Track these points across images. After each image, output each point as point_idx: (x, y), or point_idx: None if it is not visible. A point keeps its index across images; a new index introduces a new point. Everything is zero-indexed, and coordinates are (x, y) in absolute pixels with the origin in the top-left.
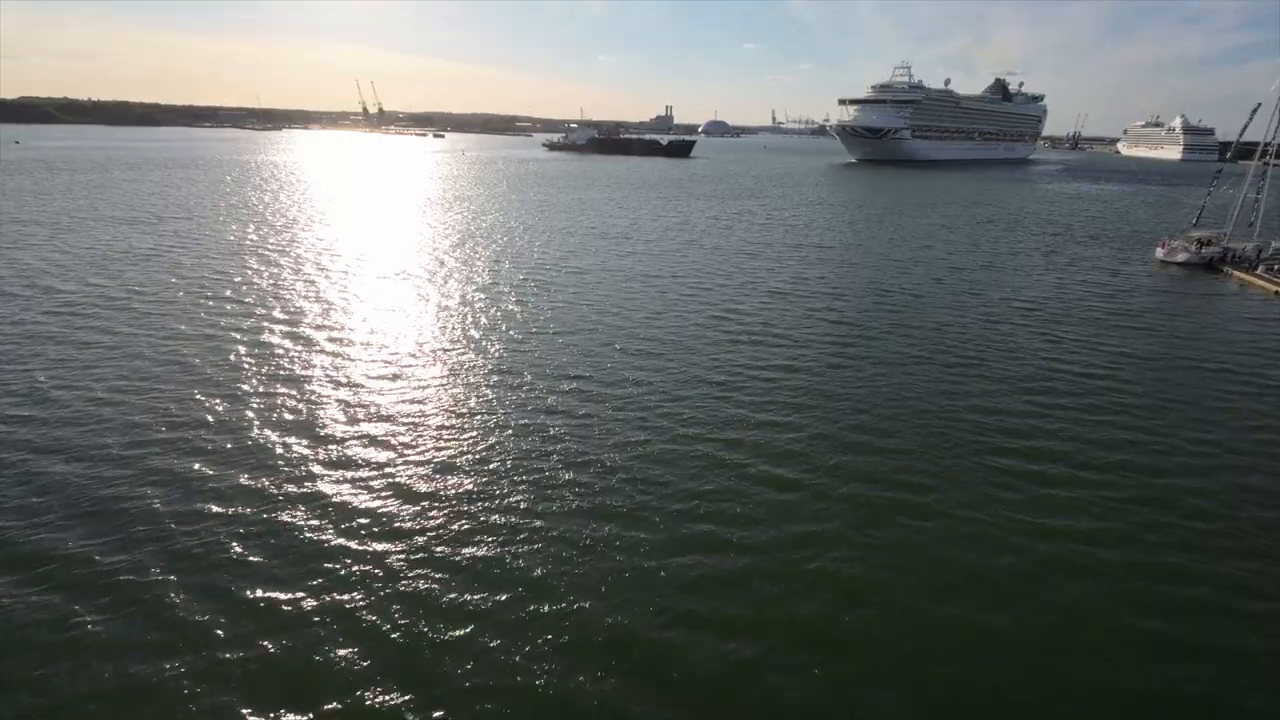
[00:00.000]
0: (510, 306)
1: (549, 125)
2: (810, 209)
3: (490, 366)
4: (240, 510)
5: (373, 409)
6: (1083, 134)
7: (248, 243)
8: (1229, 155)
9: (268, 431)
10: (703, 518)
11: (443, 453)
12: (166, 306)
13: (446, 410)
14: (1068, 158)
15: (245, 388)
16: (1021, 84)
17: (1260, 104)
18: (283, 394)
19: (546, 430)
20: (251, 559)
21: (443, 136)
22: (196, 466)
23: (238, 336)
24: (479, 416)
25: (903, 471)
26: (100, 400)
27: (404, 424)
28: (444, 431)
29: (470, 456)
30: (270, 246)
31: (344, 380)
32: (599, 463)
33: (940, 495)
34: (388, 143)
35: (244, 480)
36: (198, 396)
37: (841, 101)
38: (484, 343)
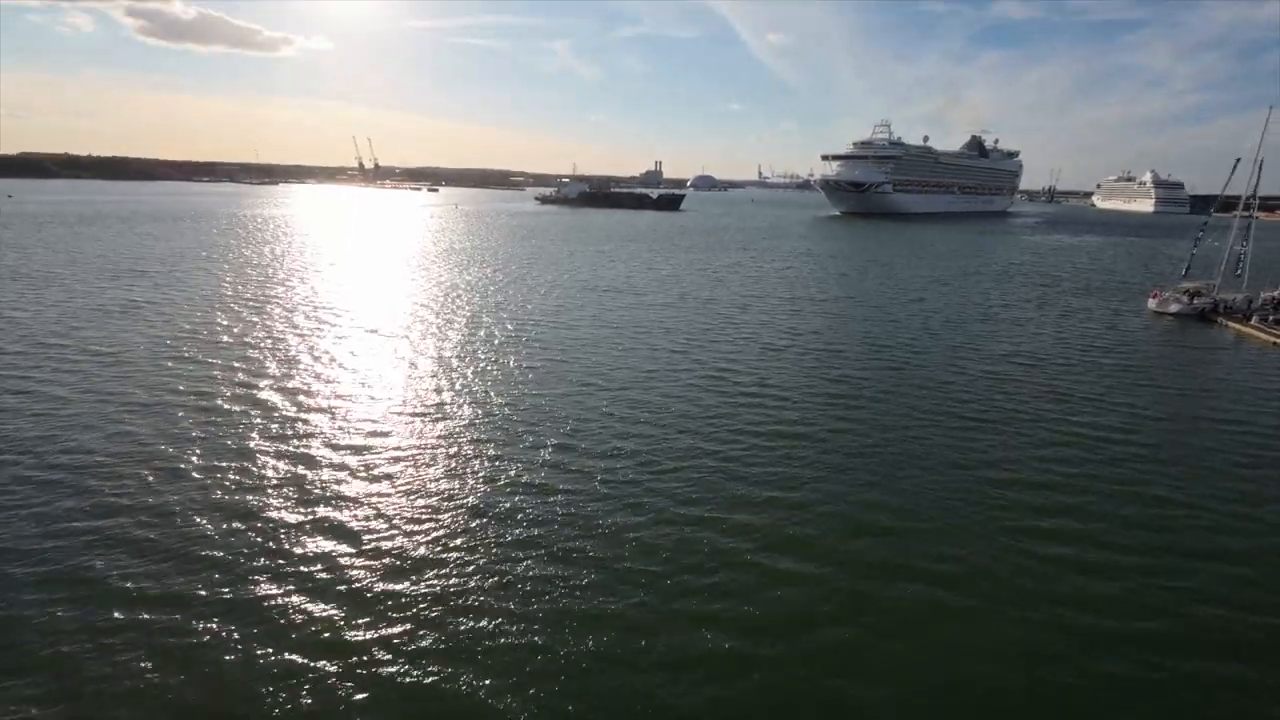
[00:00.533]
0: (494, 365)
1: (542, 180)
2: (800, 261)
3: (468, 434)
4: (212, 575)
5: (334, 480)
6: (1058, 187)
7: (225, 296)
8: (1212, 209)
9: (235, 490)
10: (705, 622)
11: (403, 543)
12: (130, 363)
13: (413, 490)
14: (1045, 210)
15: (211, 446)
16: (996, 140)
17: (1240, 159)
18: (245, 455)
19: (525, 512)
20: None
21: (436, 190)
22: (165, 533)
23: (202, 396)
24: (451, 497)
25: (924, 558)
26: (58, 464)
27: (364, 503)
28: (407, 518)
29: (436, 547)
30: (248, 300)
31: (305, 448)
32: (584, 553)
33: (968, 585)
34: (381, 196)
35: (210, 540)
36: (165, 455)
37: (824, 157)
38: (462, 406)
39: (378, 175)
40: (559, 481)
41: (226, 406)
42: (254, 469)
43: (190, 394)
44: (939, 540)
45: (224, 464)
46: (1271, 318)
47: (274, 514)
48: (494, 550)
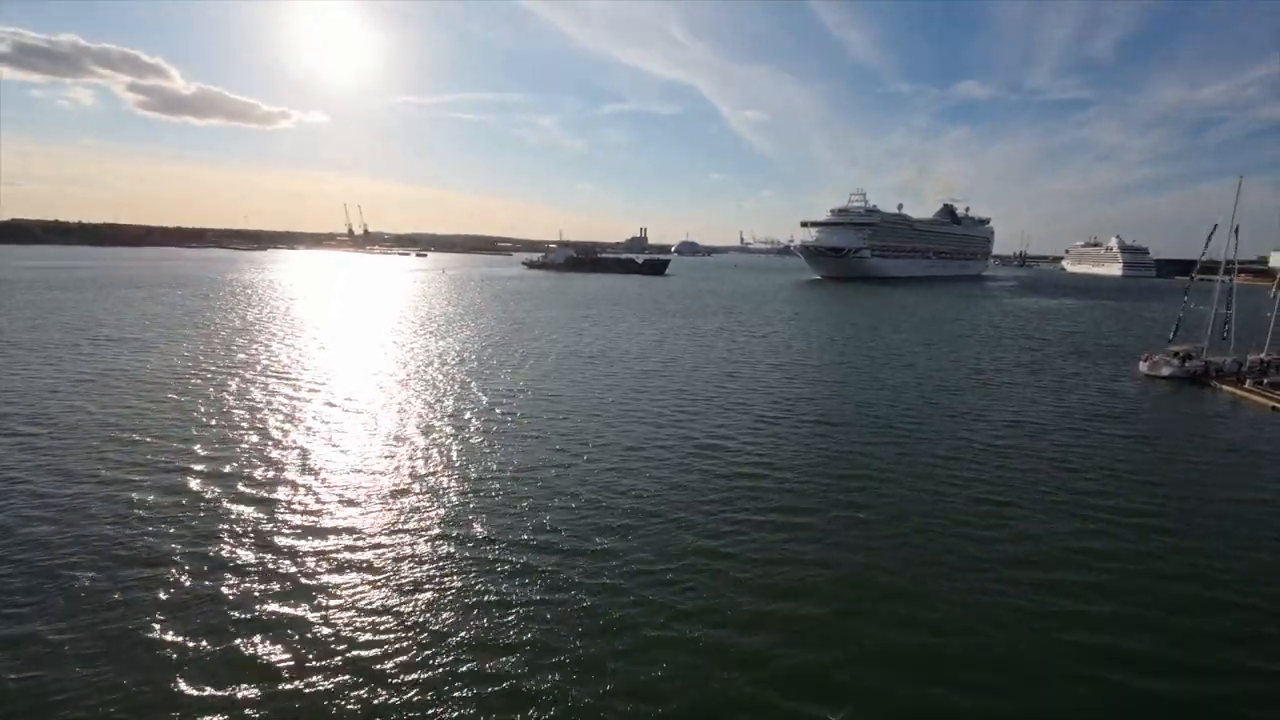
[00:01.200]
0: (470, 441)
1: (529, 245)
2: (787, 325)
3: (438, 523)
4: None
5: (286, 570)
6: (1028, 252)
7: (192, 364)
8: (1193, 273)
9: (192, 571)
10: None
11: (367, 638)
12: (82, 436)
13: (378, 579)
14: (1018, 274)
15: (168, 526)
16: (968, 208)
17: (1216, 225)
18: (206, 534)
19: (497, 633)
20: None
21: (425, 256)
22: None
23: (159, 470)
24: (411, 611)
25: (955, 669)
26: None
27: (328, 591)
28: (364, 627)
29: (400, 643)
30: (215, 367)
31: (268, 524)
32: (563, 694)
33: (985, 670)
34: (369, 261)
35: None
36: (125, 535)
37: (804, 224)
38: (433, 489)
39: (367, 241)
40: (535, 589)
41: (189, 482)
42: (214, 548)
43: (150, 468)
44: (960, 630)
45: (180, 545)
46: (1267, 381)
47: (232, 599)
48: (459, 656)
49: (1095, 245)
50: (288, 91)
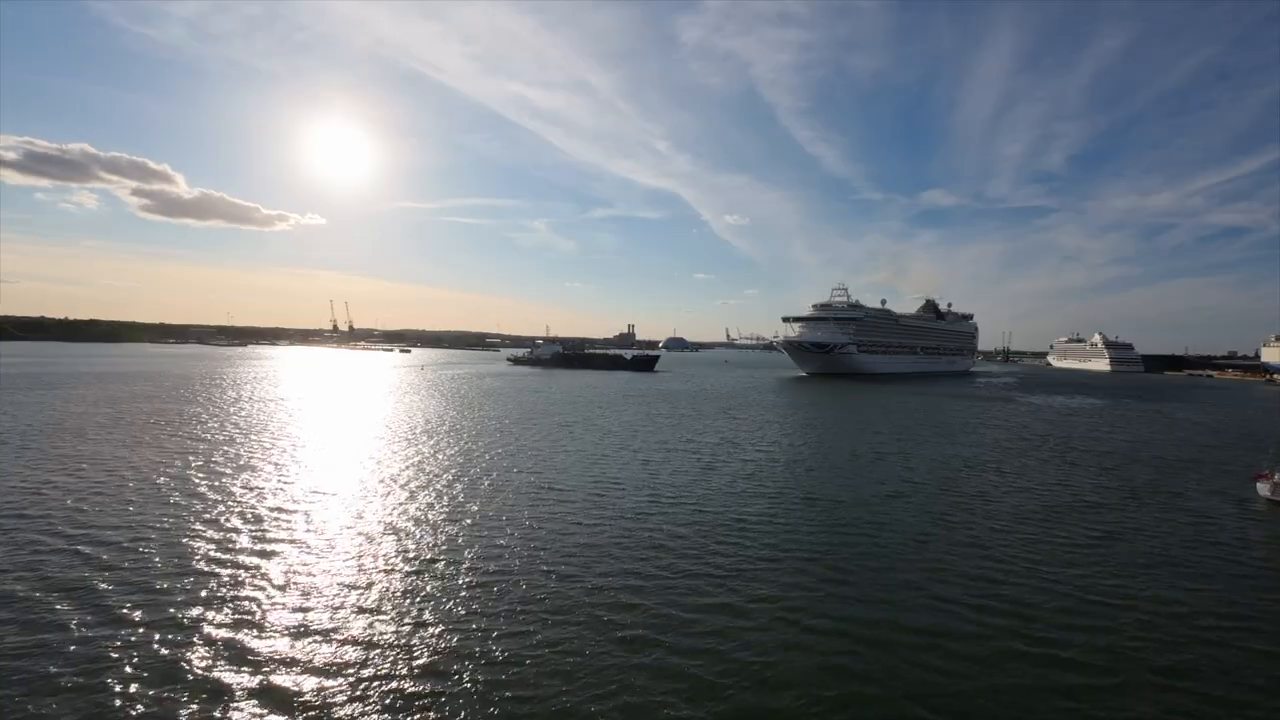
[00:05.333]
0: (435, 599)
1: (518, 341)
2: (793, 432)
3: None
4: None
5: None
6: (1011, 348)
7: (107, 470)
8: None
9: None
10: None
11: None
12: None
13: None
14: (1009, 370)
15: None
16: (950, 304)
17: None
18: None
19: None
20: None
21: (409, 352)
22: None
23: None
24: None
25: None
26: None
27: None
28: None
29: None
30: (135, 481)
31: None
32: None
33: None
34: (350, 357)
35: None
36: None
37: (786, 319)
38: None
39: (353, 337)
40: None
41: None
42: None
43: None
44: None
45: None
46: None
47: None
48: None
49: (1079, 341)
50: (288, 196)
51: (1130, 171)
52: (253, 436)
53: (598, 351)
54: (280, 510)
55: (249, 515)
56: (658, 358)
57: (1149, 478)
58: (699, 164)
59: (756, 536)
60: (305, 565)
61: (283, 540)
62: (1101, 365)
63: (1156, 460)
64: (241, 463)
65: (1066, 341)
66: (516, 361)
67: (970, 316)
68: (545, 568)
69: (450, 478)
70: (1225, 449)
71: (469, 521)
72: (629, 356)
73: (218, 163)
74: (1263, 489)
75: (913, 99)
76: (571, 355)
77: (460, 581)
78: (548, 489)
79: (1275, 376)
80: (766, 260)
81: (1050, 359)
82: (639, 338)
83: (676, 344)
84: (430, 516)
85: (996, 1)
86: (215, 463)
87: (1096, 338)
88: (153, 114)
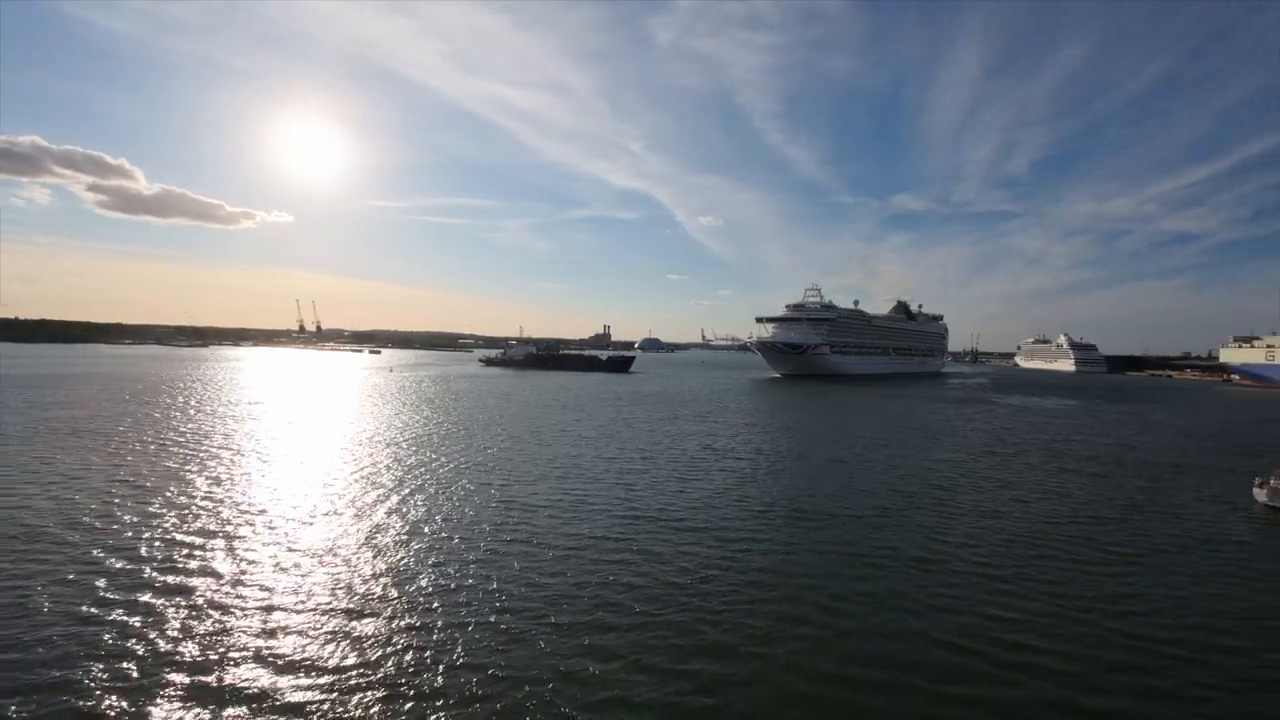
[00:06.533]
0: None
1: (491, 342)
2: (773, 438)
3: None
4: None
5: None
6: (979, 349)
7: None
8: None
9: None
10: None
11: None
12: None
13: None
14: (979, 370)
15: None
16: (920, 305)
17: None
18: None
19: None
20: None
21: (379, 353)
22: None
23: None
24: None
25: None
26: None
27: None
28: None
29: None
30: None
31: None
32: None
33: None
34: (316, 358)
35: None
36: None
37: (759, 320)
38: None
39: (321, 338)
40: None
41: None
42: None
43: None
44: None
45: None
46: None
47: None
48: None
49: (1045, 342)
50: (254, 193)
51: (1090, 178)
52: (185, 448)
53: (572, 352)
54: (201, 535)
55: (158, 545)
56: (633, 359)
57: (1143, 485)
58: (674, 165)
59: (743, 561)
60: (212, 611)
61: (193, 574)
62: (1067, 366)
63: (1147, 467)
64: (159, 480)
65: (1033, 343)
66: (489, 362)
67: (941, 317)
68: (501, 607)
69: (403, 495)
70: (1211, 453)
71: (419, 549)
72: (604, 357)
73: (181, 159)
74: (1260, 495)
75: (883, 103)
76: (545, 356)
77: (394, 631)
78: (513, 507)
79: (1233, 377)
80: (740, 261)
81: (1018, 359)
82: (615, 338)
83: (652, 345)
84: (377, 542)
85: (965, 6)
86: (134, 480)
87: (1062, 339)
88: (110, 107)
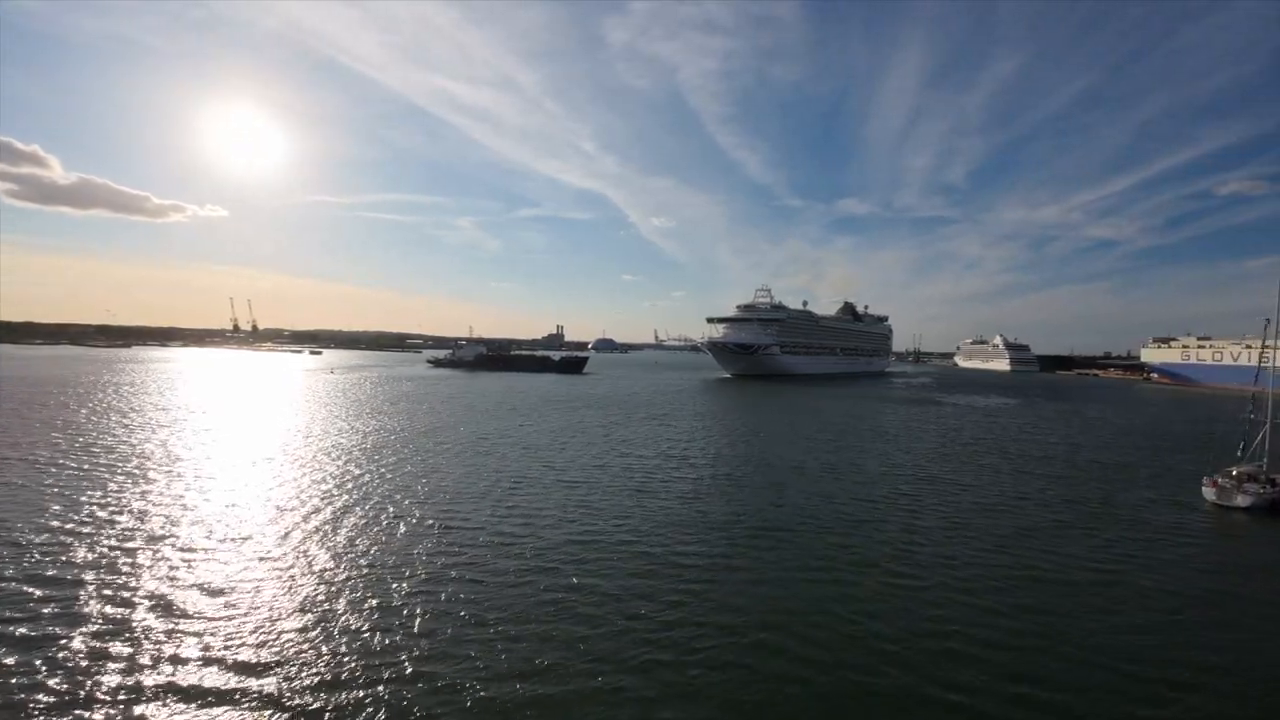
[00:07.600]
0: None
1: (441, 342)
2: (731, 441)
3: None
4: None
5: None
6: (921, 349)
7: None
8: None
9: None
10: None
11: None
12: None
13: None
14: (922, 370)
15: None
16: (866, 306)
17: (1269, 320)
18: None
19: None
20: None
21: (319, 354)
22: None
23: None
24: None
25: None
26: None
27: None
28: None
29: None
30: None
31: None
32: None
33: None
34: (252, 359)
35: None
36: None
37: (710, 320)
38: None
39: (258, 338)
40: None
41: None
42: None
43: None
44: None
45: None
46: None
47: None
48: None
49: (983, 343)
50: (184, 185)
51: (1021, 186)
52: (72, 461)
53: (524, 353)
54: (87, 566)
55: (38, 579)
56: (586, 359)
57: (1100, 488)
58: (627, 166)
59: (706, 593)
60: (96, 660)
61: (50, 620)
62: (1003, 365)
63: (1097, 467)
64: (37, 503)
65: (971, 343)
66: (437, 363)
67: (885, 318)
68: (426, 654)
69: (328, 516)
70: (1152, 451)
71: (338, 584)
72: (557, 358)
73: (101, 147)
74: (1209, 493)
75: (829, 110)
76: (496, 356)
77: (300, 690)
78: (451, 528)
79: (1153, 375)
80: (693, 262)
81: (957, 359)
82: (569, 339)
83: (606, 345)
84: (292, 573)
85: (907, 19)
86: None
87: (998, 339)
88: (15, 88)
